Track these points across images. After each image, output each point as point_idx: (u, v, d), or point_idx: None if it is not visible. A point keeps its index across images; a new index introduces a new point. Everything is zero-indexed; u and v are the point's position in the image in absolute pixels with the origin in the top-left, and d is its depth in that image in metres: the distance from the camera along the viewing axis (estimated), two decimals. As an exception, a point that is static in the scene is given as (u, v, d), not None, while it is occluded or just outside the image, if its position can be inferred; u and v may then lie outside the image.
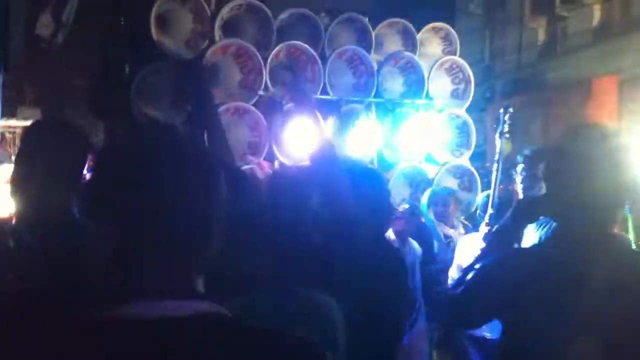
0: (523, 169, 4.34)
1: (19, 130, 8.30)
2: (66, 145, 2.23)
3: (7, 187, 2.28)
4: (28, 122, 7.95)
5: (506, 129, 4.68)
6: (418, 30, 7.06)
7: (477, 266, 2.29)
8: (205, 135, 3.02)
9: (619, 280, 1.92)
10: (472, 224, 6.29)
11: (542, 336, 1.93)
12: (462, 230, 6.33)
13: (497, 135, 4.66)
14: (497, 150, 4.59)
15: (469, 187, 6.93)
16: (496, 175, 4.47)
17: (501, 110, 4.80)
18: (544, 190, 3.09)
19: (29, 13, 2.98)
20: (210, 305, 1.25)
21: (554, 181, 2.09)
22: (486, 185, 6.32)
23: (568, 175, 2.00)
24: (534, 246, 2.51)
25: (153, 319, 1.20)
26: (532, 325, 1.96)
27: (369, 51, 6.68)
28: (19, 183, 2.20)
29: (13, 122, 9.48)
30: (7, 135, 9.16)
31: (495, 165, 4.56)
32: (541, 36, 14.02)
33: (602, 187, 1.94)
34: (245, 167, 5.88)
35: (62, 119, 2.35)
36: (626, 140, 2.05)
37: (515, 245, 2.45)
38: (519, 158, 4.47)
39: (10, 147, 8.44)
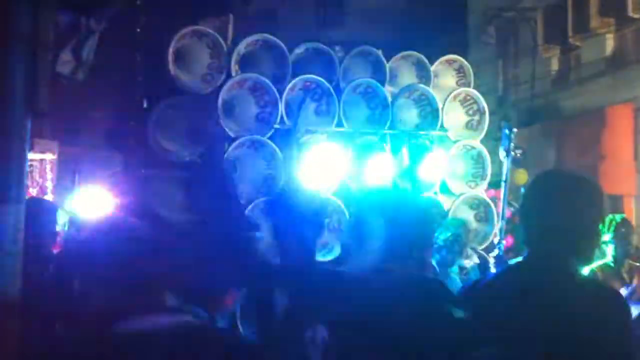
0: None
1: (36, 164, 8.41)
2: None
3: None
4: (45, 155, 8.05)
5: (512, 146, 4.69)
6: (432, 61, 7.11)
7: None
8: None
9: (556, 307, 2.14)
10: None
11: None
12: (476, 260, 6.30)
13: (504, 151, 4.63)
14: (504, 169, 4.57)
15: (486, 218, 6.90)
16: (503, 197, 4.47)
17: (502, 127, 4.83)
18: None
19: (53, 55, 3.06)
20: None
21: (522, 217, 2.43)
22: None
23: (530, 213, 2.33)
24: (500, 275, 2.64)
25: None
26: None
27: (383, 83, 6.73)
28: None
29: (30, 155, 9.62)
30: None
31: (502, 185, 4.54)
32: (555, 65, 14.07)
33: (559, 224, 2.22)
34: (261, 200, 5.91)
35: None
36: (592, 187, 2.34)
37: None
38: (523, 189, 4.50)
39: (28, 180, 8.54)
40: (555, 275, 2.22)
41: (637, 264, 5.33)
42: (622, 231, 4.71)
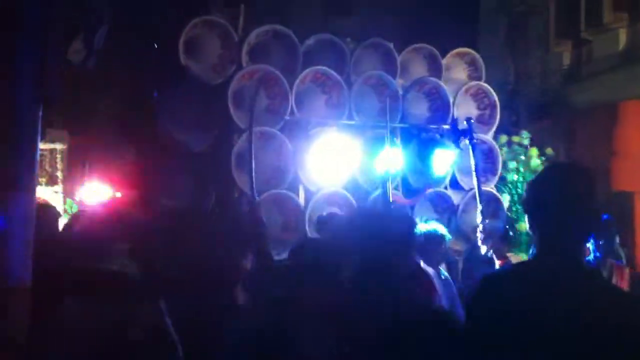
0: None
1: (46, 153, 8.40)
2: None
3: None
4: (55, 145, 8.05)
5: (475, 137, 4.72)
6: (443, 54, 7.06)
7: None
8: None
9: (580, 306, 2.10)
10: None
11: None
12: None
13: (469, 143, 4.63)
14: (471, 160, 4.58)
15: (495, 214, 6.85)
16: (478, 185, 4.48)
17: (464, 122, 4.85)
18: None
19: (64, 44, 3.04)
20: None
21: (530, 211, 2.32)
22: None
23: (539, 207, 2.25)
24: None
25: None
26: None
27: (394, 76, 6.69)
28: None
29: (41, 145, 9.59)
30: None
31: (473, 174, 4.54)
32: (566, 60, 13.93)
33: (568, 217, 2.18)
34: (270, 192, 5.90)
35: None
36: (592, 177, 2.30)
37: None
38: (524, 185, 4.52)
39: (39, 169, 8.52)
40: (576, 274, 2.18)
41: (620, 263, 5.27)
42: (611, 230, 4.65)
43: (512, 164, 9.20)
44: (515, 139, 9.47)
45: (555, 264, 2.18)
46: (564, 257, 2.19)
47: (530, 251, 3.71)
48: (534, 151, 9.32)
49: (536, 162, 9.24)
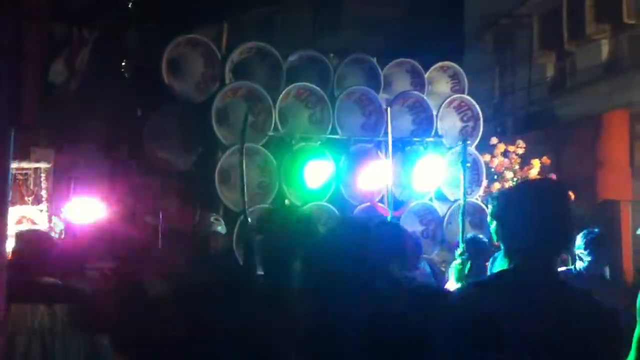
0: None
1: (30, 172, 8.37)
2: None
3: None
4: (40, 164, 8.02)
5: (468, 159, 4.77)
6: (426, 68, 7.12)
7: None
8: None
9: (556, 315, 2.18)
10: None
11: None
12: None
13: (461, 166, 4.68)
14: (462, 182, 4.63)
15: (480, 225, 6.89)
16: (462, 210, 4.53)
17: (460, 143, 4.90)
18: None
19: (43, 66, 3.06)
20: None
21: (503, 222, 2.40)
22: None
23: (513, 219, 2.34)
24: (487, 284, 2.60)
25: None
26: None
27: (377, 91, 6.74)
28: None
29: (25, 164, 9.57)
30: (20, 177, 9.22)
31: (463, 199, 4.60)
32: (550, 72, 14.06)
33: (552, 230, 2.28)
34: (255, 208, 5.92)
35: None
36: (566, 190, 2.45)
37: None
38: (487, 199, 4.56)
39: (22, 189, 8.50)
40: (551, 285, 2.27)
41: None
42: (603, 247, 4.65)
43: (509, 174, 9.31)
44: (511, 148, 9.57)
45: (530, 274, 2.26)
46: (538, 267, 2.27)
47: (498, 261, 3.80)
48: (536, 162, 9.45)
49: (535, 171, 9.36)
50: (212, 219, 4.90)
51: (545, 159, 9.67)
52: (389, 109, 6.32)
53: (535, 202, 2.32)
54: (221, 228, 4.83)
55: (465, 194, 4.58)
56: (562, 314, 2.18)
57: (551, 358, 2.14)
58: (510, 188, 2.67)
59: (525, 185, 2.75)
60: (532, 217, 2.29)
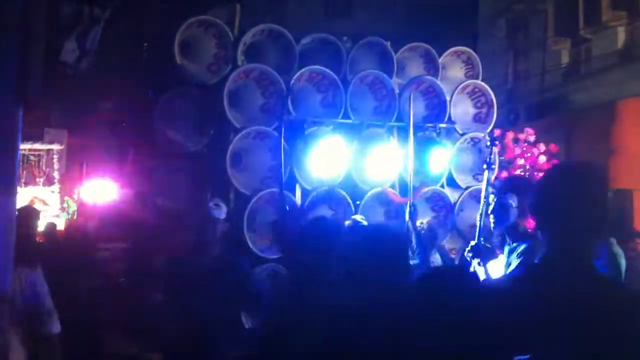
0: (493, 199, 4.36)
1: (43, 154, 8.39)
2: None
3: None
4: (52, 146, 8.07)
5: (494, 160, 4.69)
6: (440, 53, 7.04)
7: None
8: None
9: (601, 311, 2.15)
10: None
11: None
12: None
13: (485, 166, 4.60)
14: (484, 181, 4.56)
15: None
16: (483, 207, 4.46)
17: (487, 143, 4.81)
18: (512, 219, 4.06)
19: (48, 42, 3.00)
20: None
21: (542, 213, 2.34)
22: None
23: (554, 208, 2.29)
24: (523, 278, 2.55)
25: None
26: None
27: (390, 75, 6.67)
28: None
29: (38, 146, 9.59)
30: (32, 158, 9.23)
31: (482, 195, 4.52)
32: (565, 58, 13.94)
33: (582, 218, 2.22)
34: (265, 192, 5.90)
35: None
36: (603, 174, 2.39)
37: None
38: (490, 189, 4.49)
39: (34, 170, 8.51)
40: (586, 270, 2.24)
41: None
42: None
43: (521, 161, 9.26)
44: (521, 136, 9.51)
45: (570, 266, 2.23)
46: (576, 258, 2.24)
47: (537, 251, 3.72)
48: (542, 147, 9.40)
49: (543, 158, 9.30)
50: (211, 204, 4.87)
51: (553, 146, 9.61)
52: (411, 95, 6.24)
53: (580, 188, 2.27)
54: (219, 213, 4.81)
55: (487, 196, 4.50)
56: (597, 301, 2.16)
57: (589, 342, 2.12)
58: (550, 173, 2.59)
59: (556, 171, 2.66)
60: (576, 202, 2.24)
